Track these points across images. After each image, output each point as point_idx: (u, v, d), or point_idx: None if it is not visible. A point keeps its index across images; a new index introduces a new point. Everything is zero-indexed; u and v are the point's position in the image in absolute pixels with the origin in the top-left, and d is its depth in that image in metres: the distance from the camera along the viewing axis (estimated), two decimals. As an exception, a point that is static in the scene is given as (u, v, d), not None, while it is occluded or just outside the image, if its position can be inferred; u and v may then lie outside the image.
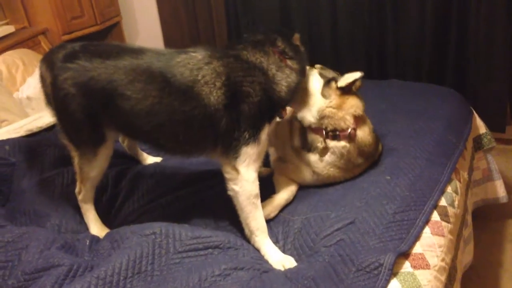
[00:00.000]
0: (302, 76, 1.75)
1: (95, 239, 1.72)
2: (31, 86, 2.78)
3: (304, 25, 3.37)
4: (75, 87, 1.65)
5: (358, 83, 1.85)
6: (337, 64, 3.23)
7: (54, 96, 1.72)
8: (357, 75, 1.80)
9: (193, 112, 1.58)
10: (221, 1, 3.64)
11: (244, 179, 1.62)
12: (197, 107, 1.57)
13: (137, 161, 2.24)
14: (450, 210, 1.76)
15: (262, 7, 3.51)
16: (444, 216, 1.71)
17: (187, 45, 3.83)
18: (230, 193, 1.67)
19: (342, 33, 3.33)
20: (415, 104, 2.41)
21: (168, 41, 4.00)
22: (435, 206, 1.72)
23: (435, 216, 1.68)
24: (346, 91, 1.82)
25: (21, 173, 2.11)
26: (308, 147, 1.88)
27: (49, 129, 2.44)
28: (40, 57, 3.09)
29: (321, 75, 1.85)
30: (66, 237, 1.71)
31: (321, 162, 1.85)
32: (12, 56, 3.04)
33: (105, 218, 1.90)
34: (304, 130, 1.90)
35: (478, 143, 2.46)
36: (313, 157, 1.86)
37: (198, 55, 1.63)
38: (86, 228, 1.86)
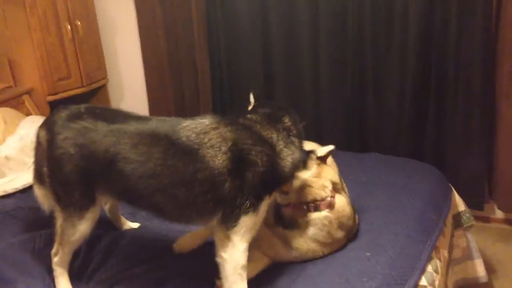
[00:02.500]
0: (302, 154, 1.78)
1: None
2: (11, 146, 2.74)
3: (288, 99, 3.45)
4: (75, 147, 1.65)
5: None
6: (319, 137, 3.27)
7: (50, 154, 1.71)
8: (331, 147, 1.90)
9: (196, 174, 1.57)
10: (207, 70, 3.72)
11: (235, 247, 1.60)
12: (200, 169, 1.57)
13: (114, 226, 2.19)
14: (431, 290, 1.74)
15: (247, 78, 3.59)
16: (425, 297, 1.69)
17: (171, 111, 3.92)
18: (217, 259, 1.63)
19: (324, 107, 3.40)
20: (395, 178, 2.43)
21: (153, 106, 4.02)
22: (416, 286, 1.69)
23: (416, 297, 1.66)
24: (323, 161, 1.89)
25: (-9, 236, 2.04)
26: (285, 224, 1.85)
27: (25, 190, 2.39)
28: (23, 116, 3.10)
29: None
30: (32, 306, 1.63)
31: (301, 237, 1.82)
32: (-6, 114, 3.02)
33: (76, 285, 1.82)
34: (277, 207, 1.88)
35: (457, 221, 2.46)
36: (291, 233, 1.83)
37: (205, 121, 1.66)
38: (54, 295, 1.78)
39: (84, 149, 1.64)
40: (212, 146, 1.58)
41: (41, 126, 1.81)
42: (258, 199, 1.61)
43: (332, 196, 1.84)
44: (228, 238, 1.60)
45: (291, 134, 1.73)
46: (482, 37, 2.88)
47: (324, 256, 1.85)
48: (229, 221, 1.59)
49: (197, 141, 1.59)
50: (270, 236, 1.86)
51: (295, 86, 3.46)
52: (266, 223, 1.88)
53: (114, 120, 1.69)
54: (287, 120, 1.75)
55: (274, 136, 1.67)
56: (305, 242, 1.82)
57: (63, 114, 1.74)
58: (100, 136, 1.64)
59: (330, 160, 2.16)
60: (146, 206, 1.75)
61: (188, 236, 1.98)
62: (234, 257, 1.60)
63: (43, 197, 1.91)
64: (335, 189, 1.88)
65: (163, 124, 1.67)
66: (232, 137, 1.61)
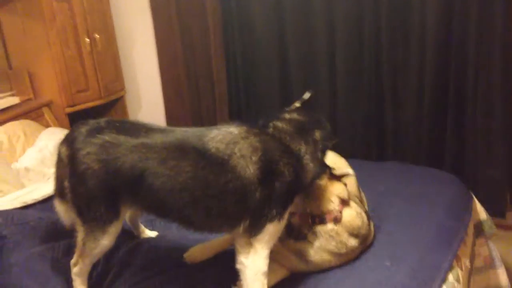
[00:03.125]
0: (322, 169, 1.79)
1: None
2: (30, 157, 2.79)
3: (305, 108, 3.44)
4: (98, 163, 1.64)
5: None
6: (337, 147, 3.25)
7: (72, 169, 1.69)
8: (350, 172, 1.92)
9: (228, 185, 1.57)
10: (224, 80, 3.74)
11: (257, 254, 1.61)
12: (232, 180, 1.57)
13: (131, 234, 2.19)
14: (453, 300, 1.70)
15: (263, 87, 3.60)
16: (447, 306, 1.66)
17: (188, 121, 3.95)
18: (238, 266, 1.63)
19: (342, 117, 3.39)
20: (414, 188, 2.40)
21: (171, 117, 4.05)
22: (437, 296, 1.66)
23: (437, 307, 1.63)
24: (335, 178, 1.88)
25: (11, 247, 2.05)
26: (295, 235, 1.84)
27: (44, 201, 2.42)
28: (42, 128, 3.15)
29: None
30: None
31: (312, 249, 1.81)
32: (14, 126, 3.07)
33: (94, 296, 1.83)
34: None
35: (479, 229, 2.42)
36: (301, 245, 1.82)
37: (234, 130, 1.65)
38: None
39: (109, 164, 1.63)
40: (242, 156, 1.58)
41: (62, 143, 1.79)
42: (284, 208, 1.63)
43: (340, 211, 1.83)
44: (250, 244, 1.61)
45: (318, 148, 1.72)
46: (501, 46, 2.83)
47: (341, 265, 1.83)
48: (255, 228, 1.60)
49: (227, 151, 1.59)
50: (283, 250, 1.84)
51: (312, 94, 3.45)
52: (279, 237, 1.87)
53: (136, 133, 1.67)
54: (317, 134, 1.75)
55: (303, 148, 1.67)
56: (317, 254, 1.80)
57: (83, 129, 1.73)
58: (125, 152, 1.63)
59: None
60: (176, 219, 1.73)
61: (199, 247, 1.98)
62: (256, 263, 1.60)
63: (64, 212, 1.89)
64: (344, 202, 1.86)
65: (189, 136, 1.66)
66: (262, 147, 1.61)
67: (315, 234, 1.80)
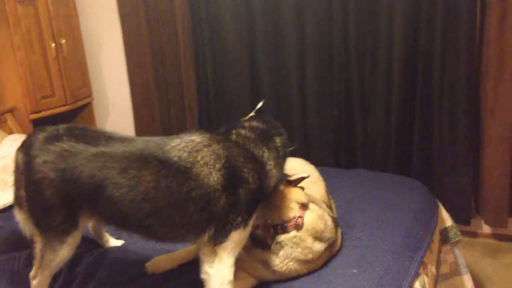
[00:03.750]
0: (283, 176, 1.79)
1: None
2: (-8, 164, 2.70)
3: (275, 115, 3.44)
4: (55, 172, 1.59)
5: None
6: (307, 153, 3.26)
7: (28, 177, 1.64)
8: (303, 175, 1.86)
9: (191, 193, 1.55)
10: (194, 88, 3.71)
11: (222, 262, 1.58)
12: (195, 188, 1.55)
13: (95, 243, 2.14)
14: (419, 307, 1.71)
15: (234, 95, 3.59)
16: (413, 314, 1.66)
17: (158, 129, 3.89)
18: (203, 276, 1.61)
19: (312, 124, 3.40)
20: (382, 194, 2.42)
21: (140, 125, 3.99)
22: (404, 303, 1.67)
23: (404, 314, 1.63)
24: (292, 184, 1.86)
25: (-31, 257, 1.98)
26: (261, 246, 1.82)
27: (5, 210, 2.34)
28: (5, 135, 3.06)
29: None
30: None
31: (277, 258, 1.79)
32: (-24, 133, 2.98)
33: (56, 309, 1.78)
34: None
35: (444, 236, 2.45)
36: (267, 255, 1.80)
37: (196, 138, 1.63)
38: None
39: (66, 174, 1.58)
40: (206, 163, 1.56)
41: (19, 149, 1.73)
42: (249, 215, 1.62)
43: (300, 217, 1.81)
44: (215, 253, 1.58)
45: (279, 154, 1.73)
46: (466, 54, 2.90)
47: (309, 273, 1.82)
48: (219, 236, 1.58)
49: (190, 159, 1.57)
50: (250, 259, 1.82)
51: (282, 102, 3.46)
52: (245, 246, 1.83)
53: (96, 142, 1.63)
54: (278, 141, 1.76)
55: (266, 155, 1.68)
56: (282, 263, 1.78)
57: (41, 136, 1.67)
58: (84, 161, 1.58)
59: (316, 176, 2.14)
60: (138, 230, 1.69)
61: (163, 258, 1.94)
62: (221, 273, 1.58)
63: (24, 222, 1.81)
64: (303, 206, 1.85)
65: (150, 145, 1.63)
66: (225, 154, 1.59)
67: (279, 243, 1.79)
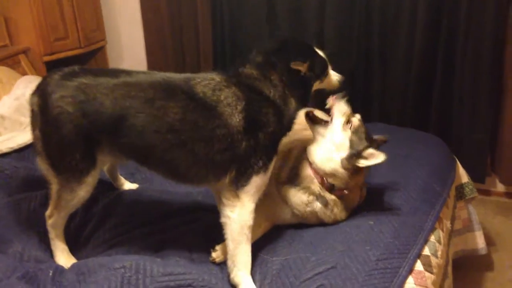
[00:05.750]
0: (302, 104, 1.71)
1: (59, 269, 1.60)
2: (6, 105, 2.68)
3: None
4: (73, 105, 1.54)
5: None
6: (322, 104, 3.21)
7: (44, 116, 1.59)
8: (381, 159, 1.74)
9: (215, 131, 1.53)
10: (209, 37, 3.63)
11: (244, 207, 1.57)
12: (220, 126, 1.53)
13: (110, 186, 2.14)
14: (433, 260, 1.71)
15: (250, 41, 3.51)
16: (428, 266, 1.66)
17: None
18: (223, 219, 1.59)
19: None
20: (400, 149, 2.38)
21: (153, 69, 3.94)
22: (419, 255, 1.66)
23: (419, 266, 1.63)
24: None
25: (-14, 195, 1.99)
26: (295, 183, 1.82)
27: (21, 150, 2.34)
28: (19, 76, 3.03)
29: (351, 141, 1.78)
30: (28, 266, 1.60)
31: (306, 206, 1.79)
32: (-10, 72, 2.95)
33: (72, 247, 1.78)
34: (296, 164, 1.84)
35: (460, 192, 2.43)
36: (297, 196, 1.80)
37: (216, 77, 1.60)
38: (50, 256, 1.75)
39: (86, 106, 1.53)
40: (229, 104, 1.54)
41: (33, 93, 1.67)
42: (269, 159, 1.60)
43: (346, 189, 1.79)
44: (237, 197, 1.57)
45: (287, 85, 1.64)
46: (494, 10, 2.80)
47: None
48: (241, 180, 1.57)
49: (214, 98, 1.55)
50: (275, 195, 1.83)
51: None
52: (277, 179, 1.86)
53: (117, 75, 1.59)
54: (274, 77, 1.64)
55: (275, 93, 1.61)
56: (306, 212, 1.80)
57: (56, 75, 1.62)
58: (106, 91, 1.54)
59: None
60: (159, 164, 1.64)
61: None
62: (243, 217, 1.57)
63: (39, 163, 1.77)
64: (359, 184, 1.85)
65: (175, 78, 1.60)
66: (244, 96, 1.57)
67: (322, 197, 1.78)
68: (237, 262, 1.56)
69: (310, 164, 1.81)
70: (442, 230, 1.92)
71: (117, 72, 1.63)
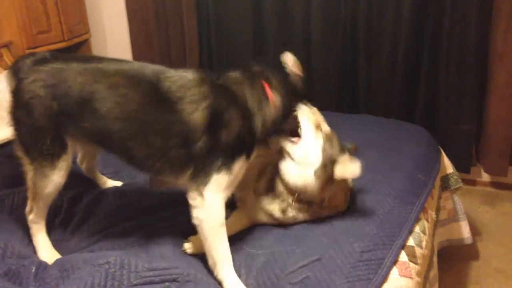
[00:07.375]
0: (285, 115, 1.70)
1: (42, 265, 1.59)
2: (-12, 99, 2.64)
3: (278, 57, 3.35)
4: (45, 88, 1.58)
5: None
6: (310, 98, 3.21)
7: (17, 101, 1.63)
8: (357, 169, 1.68)
9: (172, 126, 1.55)
10: (194, 27, 3.60)
11: (210, 206, 1.56)
12: (176, 122, 1.54)
13: (95, 184, 2.13)
14: (418, 251, 1.72)
15: (236, 35, 3.49)
16: (412, 256, 1.67)
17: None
18: (194, 221, 1.58)
19: (316, 68, 3.32)
20: (385, 140, 2.39)
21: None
22: (403, 246, 1.67)
23: (403, 257, 1.64)
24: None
25: (-33, 192, 1.97)
26: (274, 193, 1.78)
27: (3, 146, 2.31)
28: (1, 70, 2.98)
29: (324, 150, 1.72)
30: (10, 263, 1.58)
31: (283, 215, 1.77)
32: (-29, 67, 2.91)
33: (56, 242, 1.77)
34: (274, 176, 1.81)
35: (445, 183, 2.45)
36: (274, 207, 1.77)
37: (189, 75, 1.62)
38: (33, 251, 1.73)
39: (56, 89, 1.58)
40: (191, 102, 1.55)
41: (8, 75, 1.70)
42: (231, 159, 1.57)
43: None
44: (201, 195, 1.55)
45: (273, 91, 1.66)
46: (478, 1, 2.82)
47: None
48: (200, 177, 1.56)
49: (178, 94, 1.56)
50: (254, 203, 1.81)
51: (285, 43, 3.36)
52: (255, 189, 1.83)
53: (88, 60, 1.64)
54: (269, 77, 1.68)
55: (251, 96, 1.62)
56: (286, 218, 1.77)
57: (28, 60, 1.66)
58: (75, 74, 1.58)
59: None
60: (119, 152, 1.68)
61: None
62: (211, 216, 1.56)
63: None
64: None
65: (146, 69, 1.63)
66: (211, 96, 1.57)
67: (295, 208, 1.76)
68: (216, 259, 1.56)
69: (282, 180, 1.76)
70: (427, 221, 1.93)
71: (88, 58, 1.68)
